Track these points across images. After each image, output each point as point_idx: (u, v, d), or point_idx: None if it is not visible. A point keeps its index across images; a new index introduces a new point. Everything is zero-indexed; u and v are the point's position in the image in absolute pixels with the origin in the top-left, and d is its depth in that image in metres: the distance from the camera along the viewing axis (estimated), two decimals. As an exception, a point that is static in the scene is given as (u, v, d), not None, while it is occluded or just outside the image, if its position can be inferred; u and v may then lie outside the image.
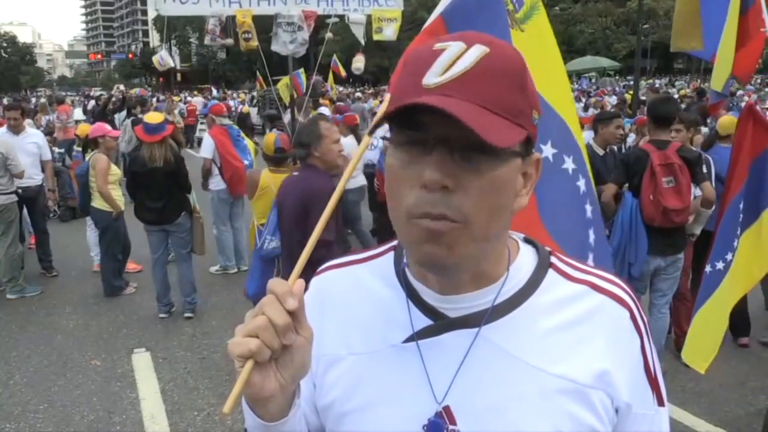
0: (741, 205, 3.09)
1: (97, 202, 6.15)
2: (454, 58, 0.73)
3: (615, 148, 5.67)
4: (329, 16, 7.81)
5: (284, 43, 6.47)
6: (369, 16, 7.42)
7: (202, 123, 20.29)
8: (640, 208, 4.05)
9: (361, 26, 7.52)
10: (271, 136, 4.64)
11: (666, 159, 3.96)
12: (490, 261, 0.81)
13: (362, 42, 7.67)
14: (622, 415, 0.81)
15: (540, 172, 0.82)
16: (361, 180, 7.08)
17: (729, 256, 3.10)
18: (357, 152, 1.00)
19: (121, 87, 33.58)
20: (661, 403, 0.85)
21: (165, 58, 8.36)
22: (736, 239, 3.10)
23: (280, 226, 3.61)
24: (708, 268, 3.20)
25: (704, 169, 4.17)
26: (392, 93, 0.79)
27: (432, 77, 0.73)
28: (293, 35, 6.47)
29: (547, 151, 2.08)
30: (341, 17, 7.80)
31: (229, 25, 6.90)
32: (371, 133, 0.81)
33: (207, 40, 7.15)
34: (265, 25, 7.51)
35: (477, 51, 0.73)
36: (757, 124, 3.06)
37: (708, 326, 3.17)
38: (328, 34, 7.80)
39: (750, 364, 4.53)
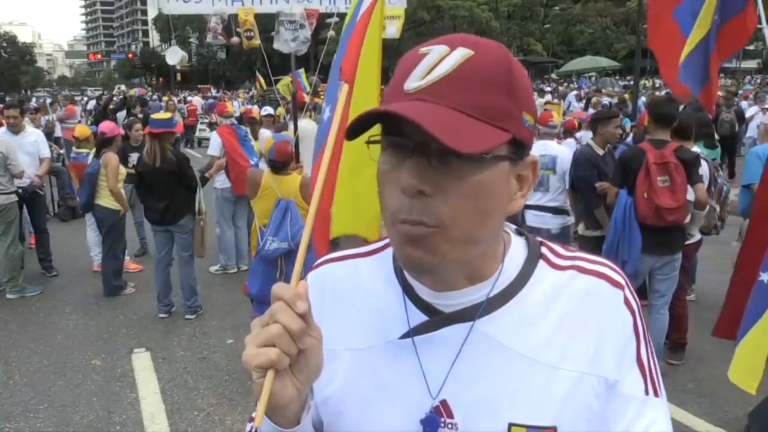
0: None
1: (104, 201, 6.17)
2: (435, 62, 0.73)
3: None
4: (331, 15, 7.80)
5: (286, 41, 6.46)
6: None
7: (202, 123, 20.31)
8: (635, 206, 4.06)
9: None
10: (270, 142, 4.62)
11: (662, 158, 3.96)
12: (484, 260, 0.82)
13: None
14: (609, 394, 0.80)
15: (537, 174, 0.82)
16: None
17: None
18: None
19: (123, 87, 33.59)
20: (656, 393, 0.83)
21: (174, 53, 8.39)
22: None
23: None
24: (764, 278, 2.93)
25: (700, 171, 4.17)
26: (384, 99, 0.79)
27: (413, 81, 0.74)
28: (295, 33, 6.46)
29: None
30: (342, 16, 7.78)
31: (231, 24, 6.90)
32: (350, 138, 0.81)
33: (209, 38, 7.16)
34: (267, 24, 7.52)
35: (459, 54, 0.73)
36: None
37: (760, 344, 2.94)
38: (330, 33, 7.79)
39: (750, 364, 4.52)
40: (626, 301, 0.83)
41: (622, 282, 0.84)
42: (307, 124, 7.17)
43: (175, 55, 11.03)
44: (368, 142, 0.79)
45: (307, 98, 8.23)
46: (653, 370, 0.84)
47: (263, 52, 6.93)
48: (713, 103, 4.44)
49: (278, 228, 4.21)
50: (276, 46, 6.65)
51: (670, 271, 4.24)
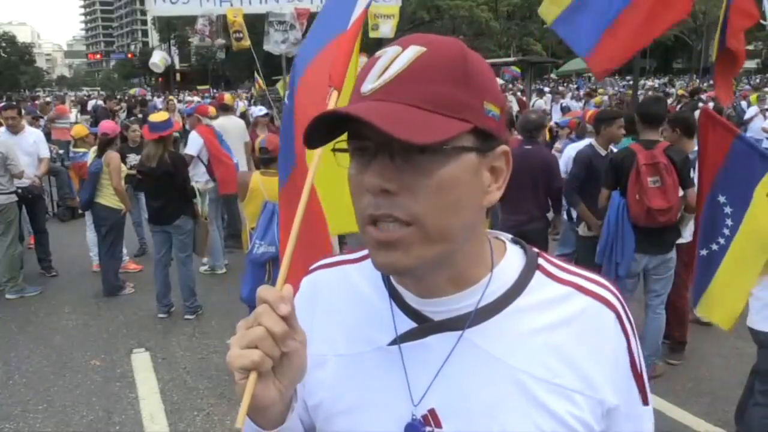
0: (720, 198, 3.29)
1: (106, 200, 6.17)
2: (388, 63, 0.74)
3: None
4: None
5: (276, 43, 6.44)
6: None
7: (200, 122, 20.29)
8: (627, 208, 4.09)
9: None
10: (260, 137, 4.66)
11: (652, 159, 3.99)
12: (467, 262, 0.81)
13: None
14: (609, 417, 0.81)
15: (511, 164, 0.81)
16: None
17: (721, 240, 3.30)
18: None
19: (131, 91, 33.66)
20: (645, 402, 0.86)
21: (158, 58, 8.40)
22: (724, 227, 3.29)
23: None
24: (703, 252, 3.37)
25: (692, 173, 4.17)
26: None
27: (368, 84, 0.75)
28: (285, 34, 6.44)
29: None
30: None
31: (219, 25, 6.88)
32: (310, 146, 0.81)
33: (196, 40, 7.17)
34: (263, 24, 7.49)
35: (411, 52, 0.74)
36: (717, 127, 3.27)
37: (729, 287, 3.29)
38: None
39: (750, 365, 4.52)
40: (621, 325, 0.83)
41: (618, 306, 0.83)
42: (225, 121, 7.27)
43: (157, 59, 11.01)
44: (334, 150, 0.80)
45: (227, 98, 8.19)
46: (644, 378, 0.86)
47: (253, 53, 6.91)
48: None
49: (265, 231, 4.17)
50: (266, 47, 6.62)
51: (664, 271, 4.25)
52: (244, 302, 4.53)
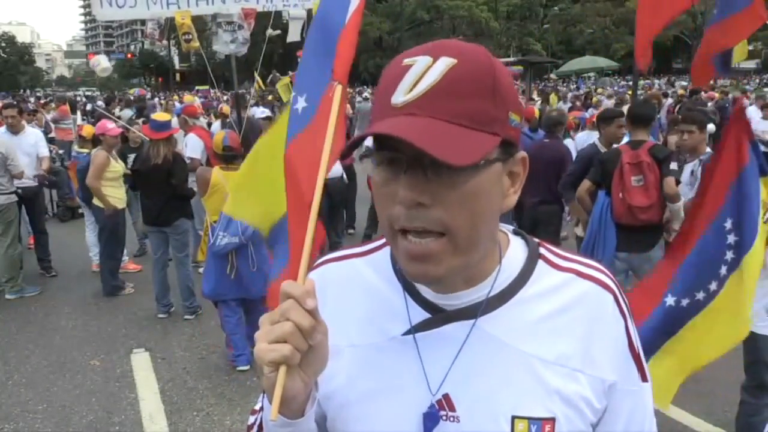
0: (729, 238, 2.50)
1: (96, 200, 6.16)
2: (420, 74, 0.75)
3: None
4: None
5: (225, 43, 6.49)
6: (309, 11, 7.37)
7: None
8: (611, 206, 4.16)
9: (300, 22, 7.53)
10: (220, 134, 4.76)
11: (636, 158, 4.07)
12: (482, 261, 0.84)
13: (298, 38, 7.63)
14: (610, 394, 0.86)
15: (527, 169, 0.84)
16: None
17: (700, 295, 2.54)
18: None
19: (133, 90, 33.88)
20: (644, 378, 0.90)
21: (101, 62, 8.44)
22: (714, 280, 2.54)
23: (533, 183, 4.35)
24: (670, 301, 2.58)
25: (674, 166, 4.17)
26: (372, 112, 0.81)
27: (399, 96, 0.75)
28: (233, 34, 6.48)
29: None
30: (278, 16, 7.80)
31: (167, 28, 6.91)
32: (344, 157, 0.85)
33: (147, 44, 7.25)
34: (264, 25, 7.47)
35: (443, 64, 0.74)
36: (742, 134, 2.50)
37: (675, 367, 2.62)
38: (269, 31, 7.77)
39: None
40: (618, 306, 0.88)
41: (615, 288, 0.88)
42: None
43: (102, 65, 11.05)
44: (362, 156, 0.81)
45: (187, 98, 8.15)
46: (641, 357, 0.90)
47: (238, 56, 6.89)
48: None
49: (228, 223, 4.23)
50: (215, 47, 6.67)
51: (649, 268, 4.27)
52: (208, 297, 4.55)
